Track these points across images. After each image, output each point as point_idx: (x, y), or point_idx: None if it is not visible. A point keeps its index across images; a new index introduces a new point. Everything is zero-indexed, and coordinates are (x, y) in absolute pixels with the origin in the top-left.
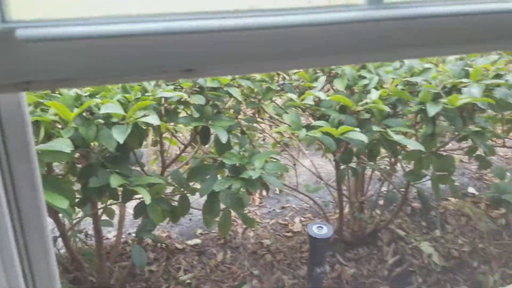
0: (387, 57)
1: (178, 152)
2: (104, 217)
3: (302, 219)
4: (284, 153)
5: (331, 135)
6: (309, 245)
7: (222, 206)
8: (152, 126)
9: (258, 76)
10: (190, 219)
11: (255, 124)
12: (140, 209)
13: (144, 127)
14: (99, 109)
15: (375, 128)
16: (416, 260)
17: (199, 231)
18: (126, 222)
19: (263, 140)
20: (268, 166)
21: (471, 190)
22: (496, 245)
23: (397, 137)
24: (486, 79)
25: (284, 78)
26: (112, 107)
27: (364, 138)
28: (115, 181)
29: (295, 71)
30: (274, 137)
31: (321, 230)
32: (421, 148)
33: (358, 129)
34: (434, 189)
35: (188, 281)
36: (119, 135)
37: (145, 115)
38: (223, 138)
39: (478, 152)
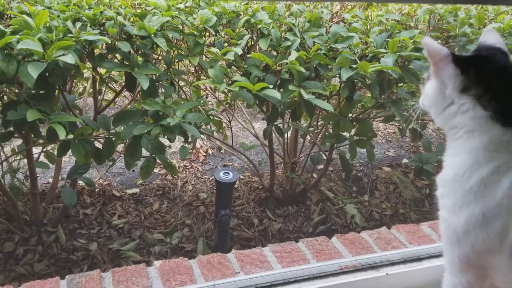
0: None
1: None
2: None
3: (241, 176)
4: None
5: (250, 91)
6: (216, 189)
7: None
8: (76, 69)
9: (187, 30)
10: (133, 171)
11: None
12: (64, 148)
13: (64, 67)
14: None
15: (291, 87)
16: (340, 220)
17: (140, 181)
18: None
19: (206, 97)
20: (189, 116)
21: (405, 161)
22: (416, 211)
23: (307, 96)
24: (404, 51)
25: (215, 34)
26: (29, 44)
27: (277, 95)
28: (31, 115)
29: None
30: (217, 97)
31: (228, 175)
32: (330, 109)
33: (271, 86)
34: (351, 151)
35: (121, 225)
36: (33, 71)
37: (64, 55)
38: (144, 85)
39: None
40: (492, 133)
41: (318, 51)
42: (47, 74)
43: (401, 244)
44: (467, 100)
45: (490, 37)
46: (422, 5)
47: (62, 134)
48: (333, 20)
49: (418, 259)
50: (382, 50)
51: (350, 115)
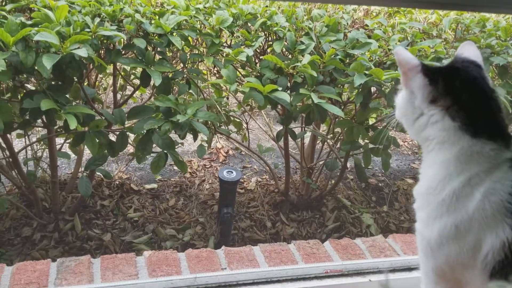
0: None
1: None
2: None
3: (259, 179)
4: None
5: (260, 92)
6: (219, 188)
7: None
8: (91, 62)
9: (205, 30)
10: None
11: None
12: (78, 139)
13: (80, 60)
14: None
15: (302, 91)
16: (355, 229)
17: (159, 177)
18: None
19: (227, 98)
20: (200, 114)
21: None
22: None
23: (317, 100)
24: (425, 60)
25: (231, 35)
26: (46, 36)
27: (286, 97)
28: (45, 104)
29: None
30: (237, 99)
31: (231, 174)
32: (341, 114)
33: (281, 89)
34: (365, 159)
35: (136, 218)
36: (47, 62)
37: (79, 48)
38: (157, 81)
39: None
40: (462, 145)
41: (334, 56)
42: (64, 67)
43: (395, 253)
44: (435, 111)
45: (467, 49)
46: (448, 14)
47: (73, 124)
48: (355, 26)
49: (408, 268)
50: None
51: (367, 122)
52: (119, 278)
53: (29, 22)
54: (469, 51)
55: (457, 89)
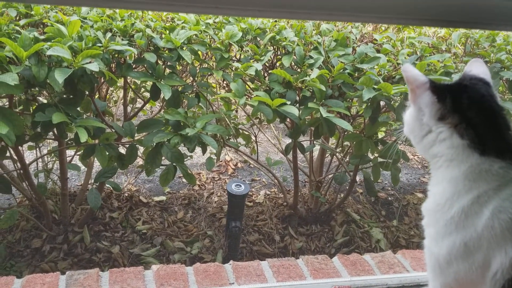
0: None
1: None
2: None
3: (268, 192)
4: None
5: (269, 106)
6: (228, 201)
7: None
8: (103, 76)
9: (214, 44)
10: None
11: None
12: (88, 151)
13: (92, 74)
14: None
15: (311, 105)
16: (364, 244)
17: (167, 189)
18: None
19: (236, 111)
20: (209, 127)
21: None
22: None
23: (325, 114)
24: (433, 75)
25: (240, 49)
26: (58, 50)
27: (295, 111)
28: (56, 117)
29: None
30: (246, 112)
31: (240, 188)
32: (349, 128)
33: (289, 103)
34: (374, 173)
35: (144, 231)
36: (59, 76)
37: (90, 62)
38: (166, 95)
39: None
40: (471, 162)
41: (343, 71)
42: (76, 81)
43: (404, 270)
44: (444, 128)
45: (475, 67)
46: (457, 29)
47: (83, 137)
48: (363, 40)
49: (417, 285)
50: None
51: (376, 136)
52: None
53: (42, 37)
54: (478, 69)
55: (465, 107)
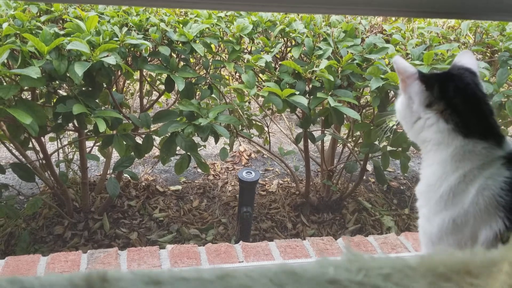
0: None
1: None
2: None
3: (280, 181)
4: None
5: (279, 96)
6: (239, 188)
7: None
8: (120, 69)
9: (226, 37)
10: None
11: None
12: (107, 141)
13: (109, 67)
14: None
15: (319, 94)
16: (375, 231)
17: (183, 179)
18: None
19: (249, 102)
20: (222, 117)
21: None
22: None
23: (334, 104)
24: (440, 64)
25: (251, 42)
26: (78, 45)
27: (304, 101)
28: (77, 109)
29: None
30: (258, 103)
31: (250, 175)
32: (357, 117)
33: (298, 93)
34: (383, 162)
35: (161, 218)
36: (79, 69)
37: (107, 56)
38: (180, 87)
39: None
40: (456, 145)
41: (351, 61)
42: (94, 74)
43: (406, 250)
44: (431, 114)
45: (464, 58)
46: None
47: (102, 128)
48: (373, 31)
49: None
50: (417, 62)
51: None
52: (144, 269)
53: (62, 32)
54: (466, 59)
55: (450, 94)
